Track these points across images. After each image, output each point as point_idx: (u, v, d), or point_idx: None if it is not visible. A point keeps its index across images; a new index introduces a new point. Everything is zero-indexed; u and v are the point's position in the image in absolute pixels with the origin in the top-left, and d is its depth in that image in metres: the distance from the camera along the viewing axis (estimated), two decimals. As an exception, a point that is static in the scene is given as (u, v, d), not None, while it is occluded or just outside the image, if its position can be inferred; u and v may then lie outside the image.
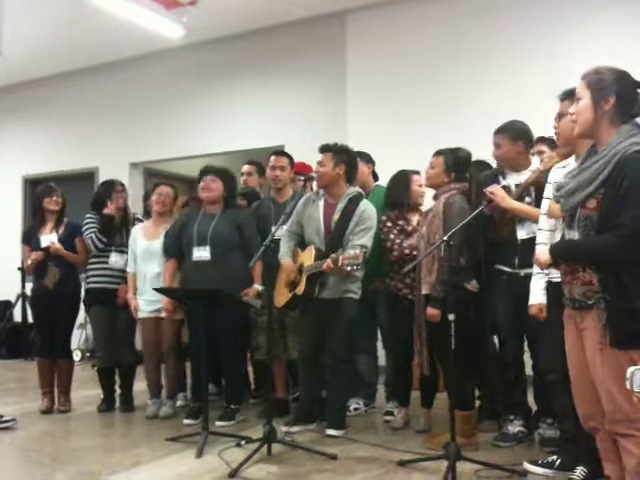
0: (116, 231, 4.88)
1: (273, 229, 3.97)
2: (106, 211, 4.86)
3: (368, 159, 4.74)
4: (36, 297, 4.92)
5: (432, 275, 3.64)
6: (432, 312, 3.60)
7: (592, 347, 2.24)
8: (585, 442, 2.51)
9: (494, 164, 4.02)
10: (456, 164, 3.82)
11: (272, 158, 4.71)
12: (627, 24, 5.38)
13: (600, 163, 2.20)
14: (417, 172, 4.30)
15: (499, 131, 3.75)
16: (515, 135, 3.70)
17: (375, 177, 4.80)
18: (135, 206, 5.87)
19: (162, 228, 4.67)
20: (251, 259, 3.83)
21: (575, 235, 2.29)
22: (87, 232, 4.80)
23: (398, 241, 4.16)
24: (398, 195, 4.27)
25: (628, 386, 1.60)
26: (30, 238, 4.93)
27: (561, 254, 2.32)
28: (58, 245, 4.76)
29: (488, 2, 6.02)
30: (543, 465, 3.16)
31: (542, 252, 2.40)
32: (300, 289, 4.07)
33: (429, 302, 3.64)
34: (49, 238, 4.81)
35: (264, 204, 4.70)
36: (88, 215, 4.91)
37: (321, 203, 4.18)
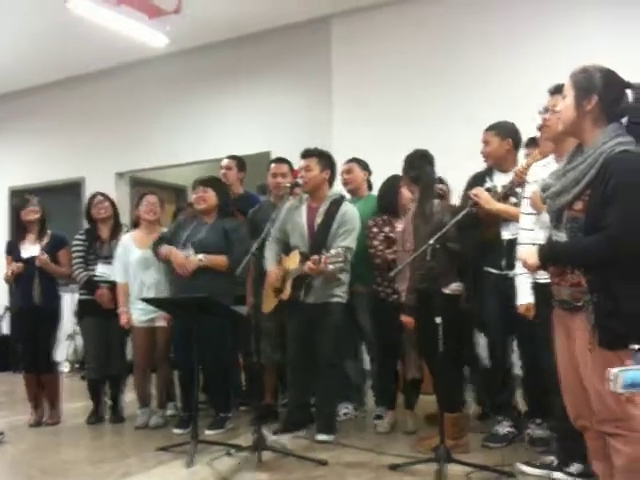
0: (103, 242, 4.85)
1: (260, 236, 3.96)
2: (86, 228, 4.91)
3: (365, 166, 4.78)
4: (17, 313, 4.88)
5: (405, 282, 3.67)
6: (405, 319, 3.71)
7: (581, 348, 2.24)
8: (579, 439, 2.51)
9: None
10: (405, 165, 3.86)
11: (273, 165, 4.75)
12: (617, 24, 5.38)
13: (586, 164, 2.20)
14: None
15: (489, 128, 3.79)
16: (504, 133, 3.74)
17: (370, 187, 4.81)
18: (123, 216, 5.83)
19: (154, 236, 4.64)
20: (234, 264, 3.84)
21: (563, 237, 2.29)
22: (76, 265, 4.79)
23: (381, 248, 4.17)
24: (388, 200, 4.28)
25: (611, 388, 1.60)
26: (12, 249, 4.90)
27: (549, 257, 2.32)
28: (45, 257, 4.72)
29: (473, 4, 6.04)
30: (540, 466, 3.16)
31: (529, 255, 2.39)
32: (286, 294, 4.08)
33: (403, 309, 3.70)
34: (31, 250, 4.78)
35: (263, 209, 4.67)
36: (76, 237, 4.91)
37: (304, 208, 4.21)
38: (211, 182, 4.53)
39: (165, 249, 4.37)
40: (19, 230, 4.97)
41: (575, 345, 2.30)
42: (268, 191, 4.90)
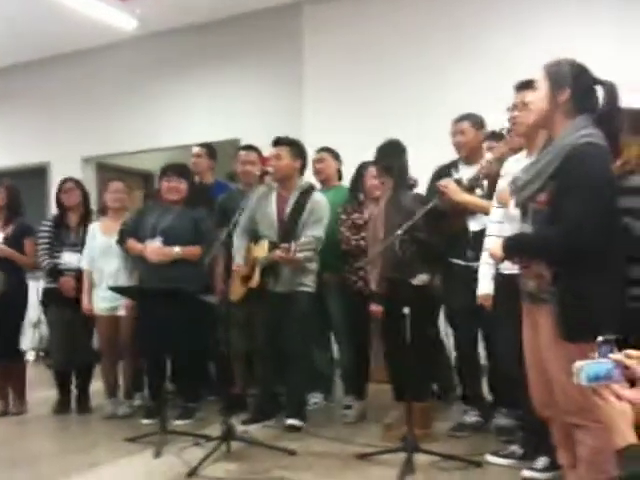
0: (70, 230, 4.77)
1: (229, 225, 3.93)
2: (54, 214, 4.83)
3: (337, 156, 4.78)
4: None
5: (375, 271, 3.69)
6: (374, 309, 3.78)
7: (546, 341, 2.27)
8: (546, 433, 2.56)
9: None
10: (378, 155, 3.89)
11: (242, 153, 4.72)
12: (597, 23, 5.42)
13: (550, 156, 2.22)
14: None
15: (465, 118, 3.79)
16: (478, 124, 3.78)
17: (340, 177, 4.81)
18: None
19: (120, 223, 4.58)
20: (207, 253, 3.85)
21: (528, 229, 2.32)
22: (41, 252, 4.70)
23: (347, 234, 4.20)
24: (355, 187, 4.31)
25: (575, 381, 1.62)
26: None
27: (513, 247, 2.35)
28: (2, 246, 4.64)
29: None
30: (504, 456, 3.22)
31: (495, 246, 2.42)
32: (254, 282, 4.07)
33: (373, 298, 3.75)
34: None
35: (233, 197, 4.62)
36: (43, 223, 4.83)
37: (273, 197, 4.19)
38: (184, 172, 4.48)
39: (137, 247, 4.33)
40: None
41: (539, 338, 2.33)
42: (237, 179, 4.86)
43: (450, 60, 5.97)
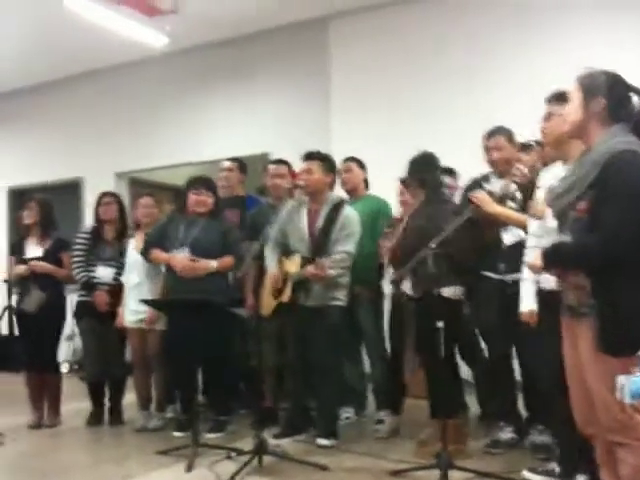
0: (106, 244, 4.83)
1: (260, 239, 3.94)
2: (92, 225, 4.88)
3: (363, 165, 4.76)
4: (21, 313, 4.85)
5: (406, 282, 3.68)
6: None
7: (586, 355, 2.23)
8: (584, 450, 2.50)
9: None
10: (412, 168, 3.86)
11: (271, 167, 4.73)
12: (619, 31, 5.37)
13: (588, 164, 2.20)
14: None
15: (499, 133, 3.74)
16: (512, 138, 3.73)
17: (366, 186, 4.79)
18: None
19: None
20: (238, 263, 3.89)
21: (567, 238, 2.28)
22: (76, 265, 4.75)
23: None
24: None
25: (618, 397, 1.58)
26: (17, 250, 4.88)
27: (551, 257, 2.31)
28: (38, 263, 4.71)
29: (472, 4, 6.02)
30: (542, 473, 3.15)
31: (535, 257, 2.38)
32: (286, 296, 4.07)
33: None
34: (35, 251, 4.78)
35: (263, 211, 4.64)
36: (79, 235, 4.89)
37: (304, 211, 4.18)
38: (211, 185, 4.50)
39: (162, 257, 4.35)
40: (24, 230, 4.93)
41: (580, 353, 2.29)
42: (267, 193, 4.88)
43: (479, 71, 5.95)
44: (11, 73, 7.96)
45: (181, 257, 4.27)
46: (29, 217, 4.84)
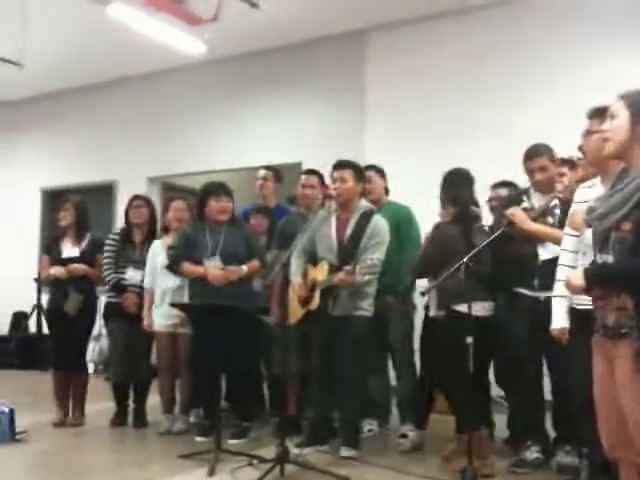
0: (135, 247, 4.88)
1: (290, 248, 3.94)
2: (122, 227, 4.95)
3: (383, 173, 4.73)
4: (53, 311, 4.91)
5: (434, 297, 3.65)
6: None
7: (622, 376, 2.18)
8: (612, 473, 2.44)
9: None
10: (445, 184, 3.85)
11: (303, 177, 4.74)
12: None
13: (634, 184, 2.15)
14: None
15: (542, 154, 3.66)
16: (553, 156, 3.69)
17: (386, 192, 4.78)
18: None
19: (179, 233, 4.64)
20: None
21: (609, 259, 2.24)
22: (106, 267, 4.80)
23: None
24: None
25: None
26: (52, 249, 4.93)
27: (595, 277, 2.26)
28: (77, 266, 4.76)
29: (509, 22, 6.01)
30: None
31: (575, 276, 2.33)
32: (314, 304, 4.06)
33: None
34: (72, 251, 4.84)
35: (293, 220, 4.66)
36: (109, 236, 4.95)
37: (333, 219, 4.18)
38: (229, 190, 4.48)
39: (197, 270, 4.33)
40: (60, 231, 4.98)
41: (615, 373, 2.24)
42: (297, 202, 4.89)
43: (514, 87, 5.93)
44: (49, 77, 8.10)
45: (214, 268, 4.29)
46: (65, 218, 4.89)
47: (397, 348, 4.44)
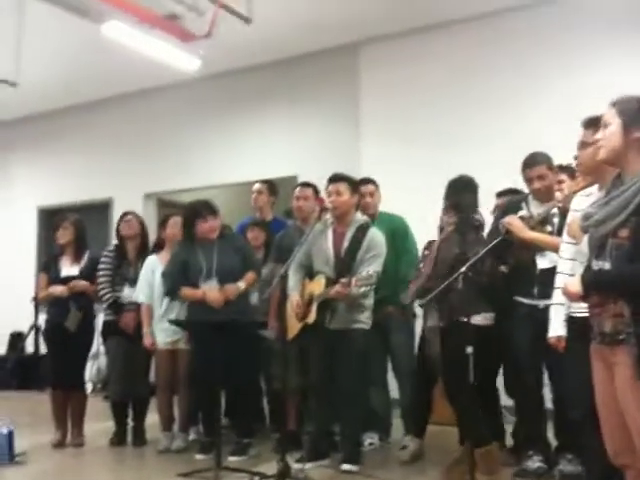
0: (129, 264, 4.86)
1: (288, 261, 3.93)
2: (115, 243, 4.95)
3: (377, 185, 4.73)
4: (51, 330, 4.88)
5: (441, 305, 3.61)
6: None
7: (622, 382, 2.17)
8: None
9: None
10: (448, 191, 3.83)
11: (297, 189, 4.75)
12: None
13: (631, 191, 2.16)
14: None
15: (541, 162, 3.66)
16: (551, 164, 3.69)
17: None
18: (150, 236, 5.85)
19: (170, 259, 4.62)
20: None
21: (606, 265, 2.24)
22: (102, 285, 4.78)
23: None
24: None
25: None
26: (50, 267, 4.92)
27: (593, 284, 2.26)
28: (77, 282, 4.74)
29: (501, 33, 6.04)
30: None
31: (572, 283, 2.33)
32: (311, 318, 4.04)
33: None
34: (70, 270, 4.82)
35: (290, 233, 4.66)
36: (104, 254, 4.93)
37: (329, 232, 4.18)
38: (212, 207, 4.43)
39: (196, 294, 4.31)
40: (59, 249, 4.97)
41: (615, 380, 2.23)
42: (294, 215, 4.89)
43: (507, 96, 5.96)
44: (44, 96, 8.10)
45: (212, 290, 4.27)
46: (64, 237, 4.88)
47: (399, 357, 4.42)
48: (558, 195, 3.44)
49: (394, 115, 6.52)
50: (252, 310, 4.49)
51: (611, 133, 2.26)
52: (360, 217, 4.23)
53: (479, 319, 3.60)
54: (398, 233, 4.50)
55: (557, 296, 2.91)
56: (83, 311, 4.76)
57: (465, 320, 3.37)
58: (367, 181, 4.68)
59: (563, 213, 3.34)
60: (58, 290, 4.73)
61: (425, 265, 3.86)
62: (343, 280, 3.74)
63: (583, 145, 2.88)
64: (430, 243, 4.10)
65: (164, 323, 4.55)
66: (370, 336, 4.10)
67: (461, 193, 3.79)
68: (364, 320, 4.04)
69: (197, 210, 4.41)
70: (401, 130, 6.44)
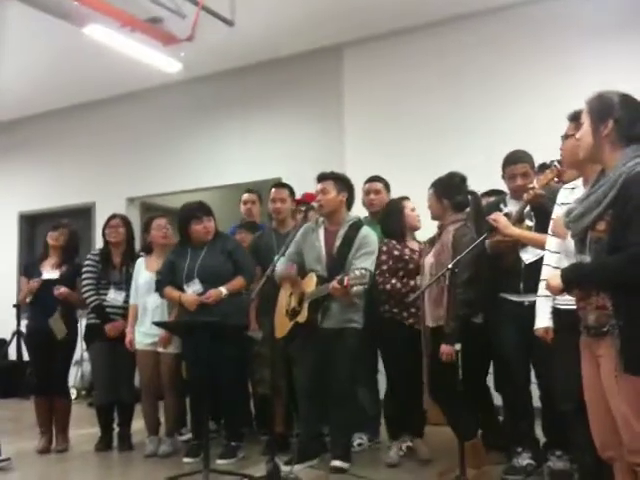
0: (114, 268, 4.82)
1: (275, 259, 3.92)
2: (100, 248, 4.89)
3: (388, 187, 4.76)
4: (33, 335, 4.83)
5: (439, 308, 3.58)
6: (446, 350, 3.46)
7: (608, 375, 2.19)
8: (604, 475, 2.44)
9: None
10: (447, 191, 3.80)
11: (273, 190, 4.73)
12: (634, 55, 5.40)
13: (606, 185, 2.19)
14: (407, 198, 4.30)
15: (525, 160, 3.69)
16: (533, 163, 3.72)
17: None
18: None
19: (163, 259, 4.59)
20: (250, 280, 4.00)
21: (587, 259, 2.26)
22: (86, 288, 4.73)
23: (387, 275, 4.07)
24: (393, 225, 4.21)
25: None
26: (31, 271, 4.87)
27: (572, 278, 2.28)
28: (64, 290, 4.69)
29: (483, 34, 6.05)
30: None
31: (553, 277, 2.35)
32: (303, 317, 4.01)
33: (443, 338, 3.51)
34: (52, 273, 4.77)
35: (265, 235, 4.67)
36: (88, 257, 4.89)
37: (321, 231, 4.17)
38: (207, 209, 4.43)
39: (173, 296, 4.32)
40: (44, 251, 4.94)
41: (601, 372, 2.25)
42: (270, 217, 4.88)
43: (490, 99, 5.98)
44: (26, 99, 8.02)
45: (190, 295, 4.25)
46: (56, 239, 4.85)
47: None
48: (525, 195, 3.43)
49: (378, 117, 6.54)
50: (244, 312, 4.42)
51: (584, 131, 2.32)
52: (352, 216, 4.22)
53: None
54: None
55: (542, 289, 2.93)
56: (64, 318, 4.69)
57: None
58: (374, 179, 4.69)
59: (537, 208, 3.36)
60: (32, 284, 4.70)
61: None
62: (338, 277, 3.73)
63: (567, 137, 2.91)
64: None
65: (146, 326, 4.52)
66: (362, 336, 4.07)
67: (463, 192, 3.78)
68: (357, 319, 4.03)
69: (191, 212, 4.39)
70: (385, 132, 6.45)
